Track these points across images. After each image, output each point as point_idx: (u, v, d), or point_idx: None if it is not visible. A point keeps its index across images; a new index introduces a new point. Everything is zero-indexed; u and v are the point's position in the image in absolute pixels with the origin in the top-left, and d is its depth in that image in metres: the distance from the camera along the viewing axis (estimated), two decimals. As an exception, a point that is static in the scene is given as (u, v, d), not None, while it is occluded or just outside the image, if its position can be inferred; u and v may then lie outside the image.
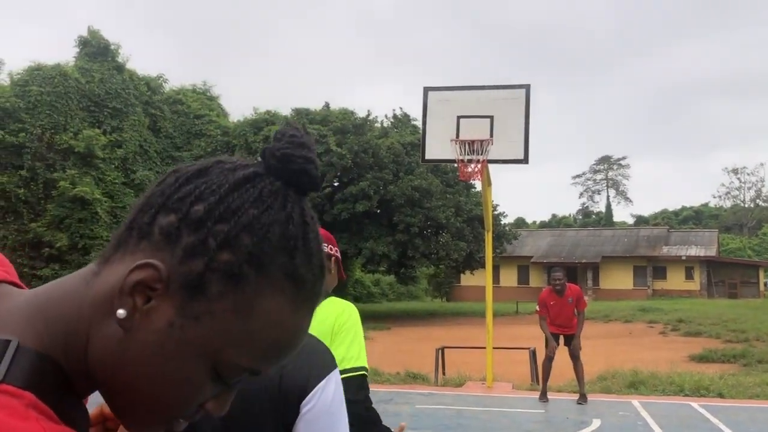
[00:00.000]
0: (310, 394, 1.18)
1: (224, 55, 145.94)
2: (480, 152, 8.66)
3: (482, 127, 8.76)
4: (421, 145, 9.24)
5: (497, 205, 32.39)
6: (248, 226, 0.59)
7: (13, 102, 22.07)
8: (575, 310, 8.79)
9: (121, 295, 0.58)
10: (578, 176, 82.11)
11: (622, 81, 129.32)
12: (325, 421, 1.19)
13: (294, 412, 1.17)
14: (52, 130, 22.73)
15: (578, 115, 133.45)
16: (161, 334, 0.58)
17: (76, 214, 22.11)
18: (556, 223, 69.54)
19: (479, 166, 8.79)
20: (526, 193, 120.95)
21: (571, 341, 8.80)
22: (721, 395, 9.39)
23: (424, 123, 9.11)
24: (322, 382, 1.20)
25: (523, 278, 46.52)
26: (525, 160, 8.81)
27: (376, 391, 9.76)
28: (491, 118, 8.74)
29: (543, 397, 8.97)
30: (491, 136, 8.73)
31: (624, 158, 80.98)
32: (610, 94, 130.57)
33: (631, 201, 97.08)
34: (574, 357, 8.79)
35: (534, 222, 73.24)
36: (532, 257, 45.83)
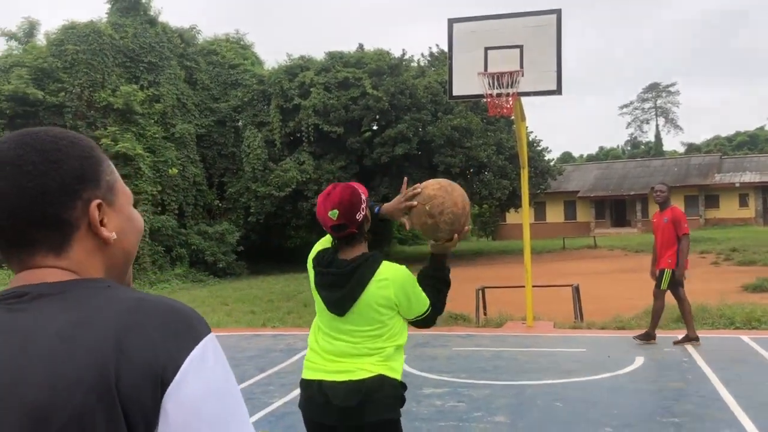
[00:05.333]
0: (176, 379, 0.83)
1: (255, 1, 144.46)
2: (510, 85, 8.26)
3: (512, 58, 8.31)
4: (448, 81, 8.87)
5: (540, 141, 31.67)
6: None
7: (51, 62, 22.23)
8: (675, 235, 7.90)
9: None
10: (626, 106, 79.59)
11: (669, 3, 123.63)
12: (210, 409, 0.85)
13: (151, 412, 0.82)
14: (91, 88, 22.89)
15: (624, 43, 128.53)
16: None
17: (119, 170, 22.01)
18: (604, 155, 67.85)
19: (510, 99, 8.40)
20: (572, 127, 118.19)
21: (659, 278, 8.02)
22: (773, 327, 9.03)
23: (450, 57, 8.70)
24: (192, 356, 0.85)
25: (570, 214, 45.80)
26: (558, 91, 8.37)
27: (412, 335, 9.73)
28: (521, 47, 8.28)
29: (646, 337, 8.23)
30: (521, 67, 8.28)
31: (673, 84, 78.49)
32: (657, 19, 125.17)
33: (681, 129, 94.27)
34: (676, 296, 7.99)
35: (581, 156, 71.68)
36: (578, 192, 44.95)
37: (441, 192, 2.63)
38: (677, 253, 7.92)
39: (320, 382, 2.69)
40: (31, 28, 24.75)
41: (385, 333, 2.70)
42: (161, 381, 0.83)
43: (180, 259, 23.27)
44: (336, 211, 2.60)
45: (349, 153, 26.14)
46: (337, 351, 2.71)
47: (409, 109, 25.94)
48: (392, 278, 2.67)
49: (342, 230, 2.64)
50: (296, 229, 28.27)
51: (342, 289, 2.66)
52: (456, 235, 2.69)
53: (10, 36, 24.41)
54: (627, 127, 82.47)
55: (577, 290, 11.17)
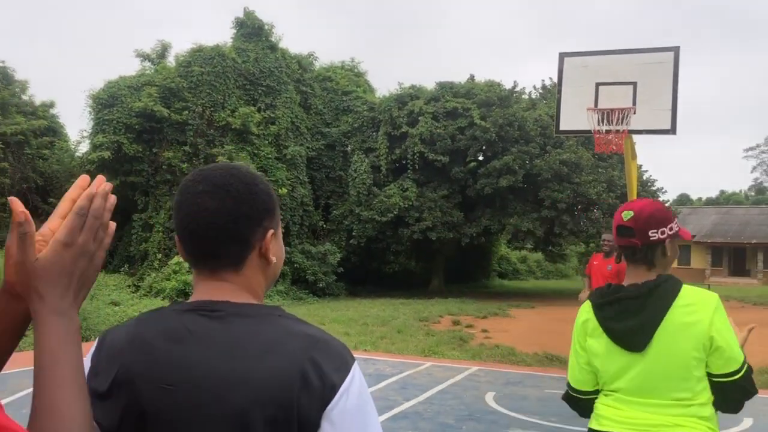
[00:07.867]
0: (335, 398, 1.11)
1: (372, 31, 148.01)
2: (620, 122, 8.01)
3: (624, 95, 8.07)
4: (555, 116, 8.72)
5: (655, 180, 30.45)
6: None
7: (178, 82, 23.68)
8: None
9: None
10: (752, 149, 75.08)
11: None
12: (353, 419, 1.12)
13: (315, 424, 1.10)
14: (212, 108, 24.17)
15: (754, 82, 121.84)
16: None
17: (232, 187, 23.45)
18: (725, 200, 64.25)
19: (621, 137, 8.14)
20: (692, 168, 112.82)
21: None
22: None
23: (559, 92, 8.56)
24: (345, 382, 1.12)
25: (683, 259, 43.55)
26: (672, 131, 8.02)
27: (506, 372, 9.51)
28: (634, 84, 8.04)
29: None
30: (634, 104, 8.03)
31: (807, 128, 72.91)
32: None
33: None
34: None
35: (699, 199, 68.25)
36: (694, 236, 42.71)
37: None
38: None
39: None
40: (163, 50, 26.45)
41: (695, 377, 2.23)
42: (325, 401, 1.09)
43: (282, 276, 23.94)
44: (631, 213, 2.31)
45: (453, 182, 26.12)
46: (638, 401, 2.27)
47: (517, 141, 25.65)
48: (702, 303, 2.26)
49: (625, 235, 2.33)
50: (396, 255, 28.46)
51: (637, 316, 2.26)
52: None
53: (145, 57, 26.21)
54: (752, 172, 77.80)
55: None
